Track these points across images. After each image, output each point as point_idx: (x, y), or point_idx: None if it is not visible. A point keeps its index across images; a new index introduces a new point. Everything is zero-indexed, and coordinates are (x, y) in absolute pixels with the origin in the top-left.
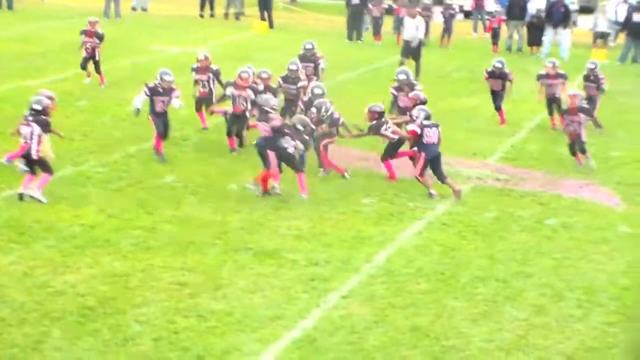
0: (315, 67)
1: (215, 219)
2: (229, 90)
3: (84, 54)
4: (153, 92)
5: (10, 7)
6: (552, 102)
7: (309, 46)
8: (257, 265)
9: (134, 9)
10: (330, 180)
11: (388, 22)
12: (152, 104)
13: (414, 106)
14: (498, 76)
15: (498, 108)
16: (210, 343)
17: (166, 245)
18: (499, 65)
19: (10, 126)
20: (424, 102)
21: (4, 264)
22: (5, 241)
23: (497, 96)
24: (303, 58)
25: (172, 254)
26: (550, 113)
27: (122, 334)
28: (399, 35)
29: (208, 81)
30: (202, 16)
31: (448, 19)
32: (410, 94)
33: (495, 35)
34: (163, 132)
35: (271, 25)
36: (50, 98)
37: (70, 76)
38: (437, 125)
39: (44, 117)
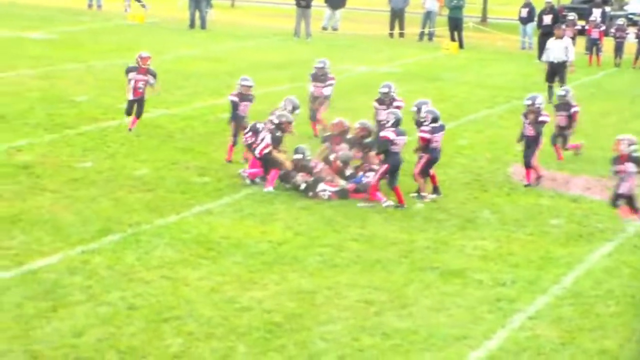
0: (326, 87)
1: (402, 237)
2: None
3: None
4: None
5: (203, 27)
6: None
7: (320, 65)
8: (443, 285)
9: (324, 28)
10: (519, 200)
11: (580, 43)
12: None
13: (362, 137)
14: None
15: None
16: None
17: (352, 263)
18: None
19: (200, 143)
20: (367, 135)
21: (192, 279)
22: (195, 257)
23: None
24: (315, 77)
25: (358, 272)
26: None
27: (308, 351)
28: (590, 55)
29: (145, 83)
30: (391, 35)
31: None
32: (357, 124)
33: None
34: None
35: (461, 46)
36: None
37: (259, 94)
38: (405, 133)
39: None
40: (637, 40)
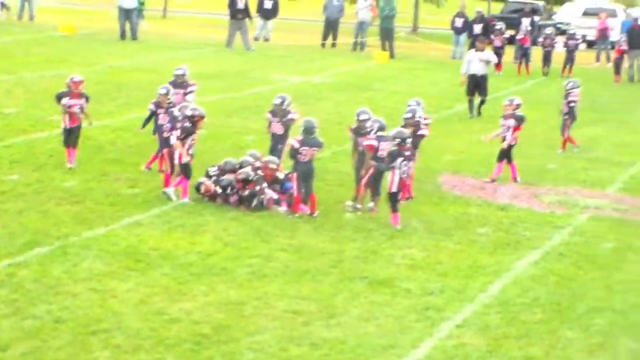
0: (185, 94)
1: (331, 247)
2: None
3: None
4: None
5: (134, 37)
6: None
7: (179, 72)
8: (372, 294)
9: (256, 38)
10: (447, 209)
11: (509, 52)
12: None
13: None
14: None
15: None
16: None
17: (281, 274)
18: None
19: (131, 154)
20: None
21: (121, 291)
22: (123, 268)
23: None
24: (174, 84)
25: (287, 282)
26: None
27: None
28: (519, 64)
29: (81, 108)
30: (323, 45)
31: (571, 49)
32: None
33: (616, 65)
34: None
35: (392, 55)
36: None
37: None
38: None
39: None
40: (565, 49)
